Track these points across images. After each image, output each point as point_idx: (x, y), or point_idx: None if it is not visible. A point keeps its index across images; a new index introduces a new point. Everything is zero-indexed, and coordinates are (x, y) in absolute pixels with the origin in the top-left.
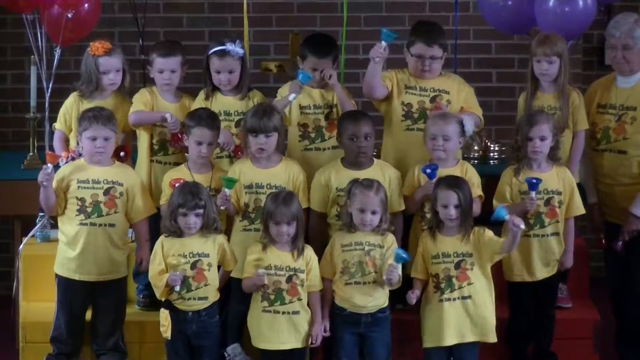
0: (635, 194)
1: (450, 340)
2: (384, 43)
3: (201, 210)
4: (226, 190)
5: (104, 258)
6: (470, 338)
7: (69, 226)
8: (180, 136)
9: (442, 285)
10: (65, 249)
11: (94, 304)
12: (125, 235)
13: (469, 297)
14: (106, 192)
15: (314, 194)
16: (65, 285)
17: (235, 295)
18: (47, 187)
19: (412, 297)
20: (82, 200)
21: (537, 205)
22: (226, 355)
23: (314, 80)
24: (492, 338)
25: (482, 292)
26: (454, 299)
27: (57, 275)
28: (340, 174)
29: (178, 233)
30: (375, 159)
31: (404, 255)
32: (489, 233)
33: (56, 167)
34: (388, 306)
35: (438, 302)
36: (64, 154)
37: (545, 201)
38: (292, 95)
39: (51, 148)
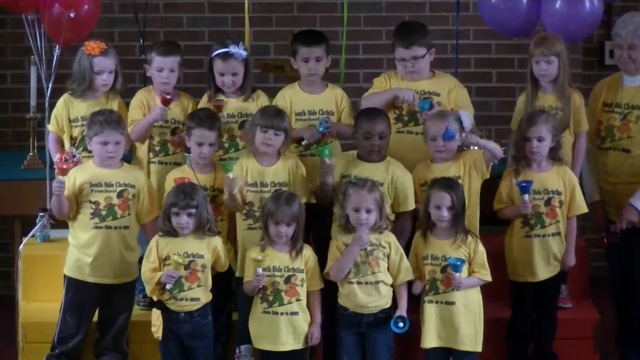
0: (638, 187)
1: (429, 343)
2: (418, 107)
3: (193, 210)
4: (229, 174)
5: (118, 261)
6: (451, 344)
7: (83, 230)
8: (169, 98)
9: (427, 287)
10: (79, 253)
11: (103, 306)
12: (137, 237)
13: (453, 303)
14: (119, 194)
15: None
16: (77, 288)
17: (242, 297)
18: (60, 196)
19: (416, 287)
20: (96, 203)
21: (538, 205)
22: (237, 351)
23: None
24: (472, 347)
25: (469, 299)
26: (437, 302)
27: (68, 278)
28: (350, 163)
29: (172, 233)
30: (389, 157)
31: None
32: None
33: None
34: (391, 307)
35: (423, 302)
36: (57, 155)
37: (545, 201)
38: (304, 142)
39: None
